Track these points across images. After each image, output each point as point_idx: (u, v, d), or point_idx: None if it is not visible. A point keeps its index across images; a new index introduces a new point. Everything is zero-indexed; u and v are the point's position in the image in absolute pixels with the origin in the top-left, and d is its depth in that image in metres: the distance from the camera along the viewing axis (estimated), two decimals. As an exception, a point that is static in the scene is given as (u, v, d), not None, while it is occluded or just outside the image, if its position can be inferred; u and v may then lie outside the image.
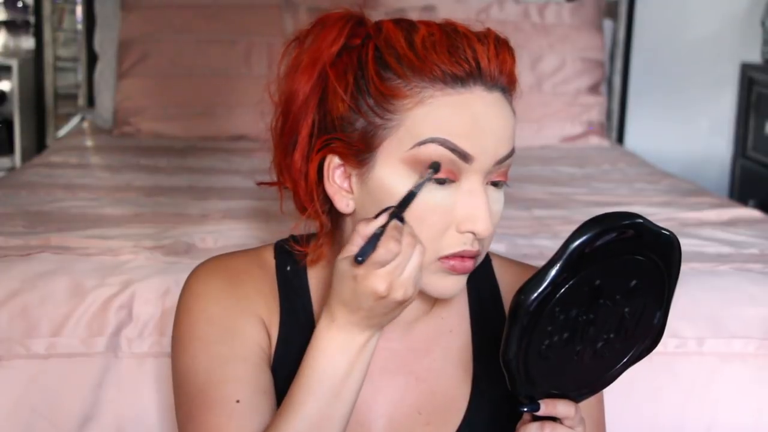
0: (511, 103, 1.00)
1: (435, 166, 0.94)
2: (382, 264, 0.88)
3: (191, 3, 3.14)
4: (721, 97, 3.67)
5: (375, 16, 1.04)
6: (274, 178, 1.07)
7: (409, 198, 0.93)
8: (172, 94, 3.06)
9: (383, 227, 0.89)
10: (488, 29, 0.98)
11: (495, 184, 1.00)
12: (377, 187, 0.97)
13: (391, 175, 0.96)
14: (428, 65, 0.94)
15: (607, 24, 3.43)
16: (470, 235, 0.97)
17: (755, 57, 3.61)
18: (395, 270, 0.88)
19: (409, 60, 0.95)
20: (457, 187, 0.96)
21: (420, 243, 0.90)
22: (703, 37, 3.61)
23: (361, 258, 0.87)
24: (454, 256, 0.97)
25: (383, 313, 0.92)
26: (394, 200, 0.95)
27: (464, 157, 0.95)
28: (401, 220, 0.90)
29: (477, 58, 0.95)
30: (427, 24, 0.98)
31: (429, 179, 0.94)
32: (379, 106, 0.96)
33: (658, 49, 3.59)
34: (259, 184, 1.11)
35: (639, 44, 3.54)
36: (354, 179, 0.99)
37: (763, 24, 3.57)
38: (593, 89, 3.24)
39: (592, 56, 3.24)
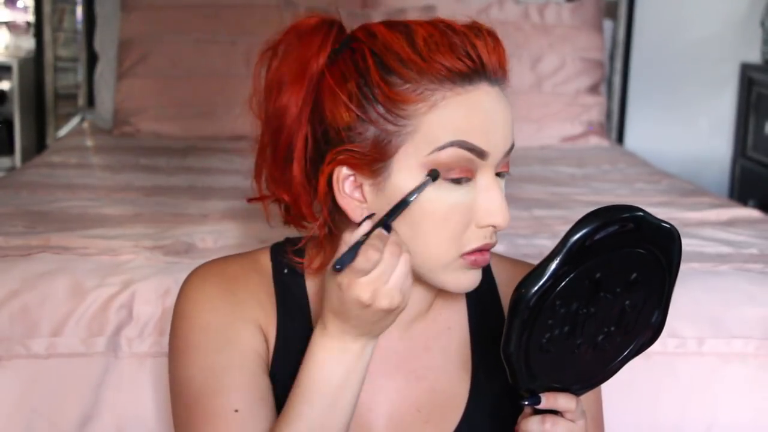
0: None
1: (434, 175, 0.94)
2: (364, 272, 0.88)
3: (191, 3, 3.15)
4: (721, 97, 3.67)
5: (375, 16, 1.04)
6: (256, 193, 1.05)
7: (400, 207, 0.93)
8: (172, 94, 3.06)
9: (367, 235, 0.88)
10: (474, 21, 0.98)
11: (499, 174, 1.00)
12: (395, 195, 0.95)
13: (411, 181, 0.95)
14: (434, 66, 0.94)
15: (607, 24, 3.44)
16: (490, 229, 0.98)
17: (755, 57, 3.61)
18: (379, 279, 0.88)
19: (414, 63, 0.94)
20: (474, 184, 0.97)
21: (406, 251, 0.90)
22: (703, 37, 3.61)
23: (339, 266, 0.87)
24: (475, 251, 0.98)
25: (373, 322, 0.92)
26: (415, 205, 0.95)
27: (481, 154, 0.95)
28: (388, 228, 0.90)
29: (479, 54, 0.95)
30: (421, 24, 0.97)
31: (422, 189, 0.94)
32: (390, 113, 0.95)
33: (658, 49, 3.59)
34: (250, 200, 1.09)
35: (639, 44, 3.55)
36: (367, 188, 0.98)
37: (763, 24, 3.57)
38: (593, 89, 3.24)
39: (592, 56, 3.24)
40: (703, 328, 1.59)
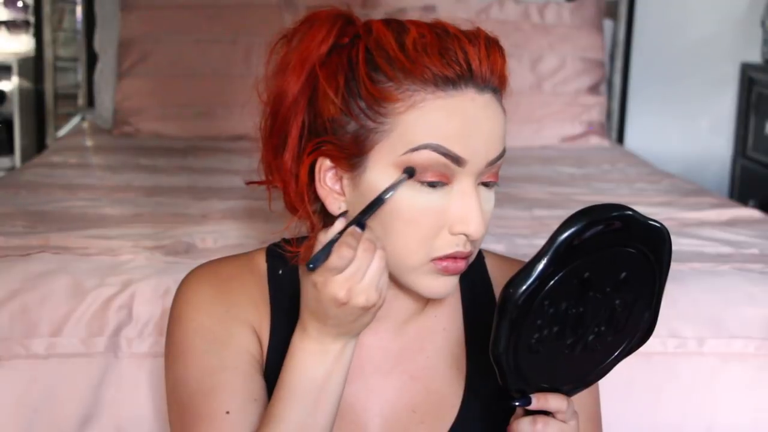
0: (501, 102, 0.99)
1: (410, 172, 0.94)
2: (338, 270, 0.87)
3: (191, 3, 3.15)
4: (721, 97, 3.67)
5: (375, 16, 1.04)
6: (263, 178, 1.07)
7: (375, 204, 0.92)
8: (172, 94, 3.06)
9: (340, 233, 0.88)
10: (478, 29, 0.97)
11: (486, 184, 0.99)
12: (369, 191, 0.96)
13: (384, 179, 0.95)
14: (419, 68, 0.93)
15: (607, 24, 3.43)
16: (463, 237, 0.97)
17: (755, 57, 3.61)
18: (353, 276, 0.88)
19: (400, 62, 0.94)
20: (449, 190, 0.96)
21: (381, 248, 0.90)
22: (703, 37, 3.61)
23: (312, 265, 0.86)
24: (446, 257, 0.97)
25: (350, 321, 0.91)
26: (388, 204, 0.94)
27: (457, 160, 0.94)
28: (362, 226, 0.89)
29: (468, 60, 0.94)
30: (418, 25, 0.97)
31: (398, 186, 0.93)
32: (371, 109, 0.95)
33: (658, 49, 3.59)
34: (249, 183, 1.10)
35: (639, 44, 3.54)
36: (345, 182, 0.98)
37: (763, 24, 3.57)
38: (593, 89, 3.24)
39: (592, 56, 3.24)
40: (703, 328, 1.59)
